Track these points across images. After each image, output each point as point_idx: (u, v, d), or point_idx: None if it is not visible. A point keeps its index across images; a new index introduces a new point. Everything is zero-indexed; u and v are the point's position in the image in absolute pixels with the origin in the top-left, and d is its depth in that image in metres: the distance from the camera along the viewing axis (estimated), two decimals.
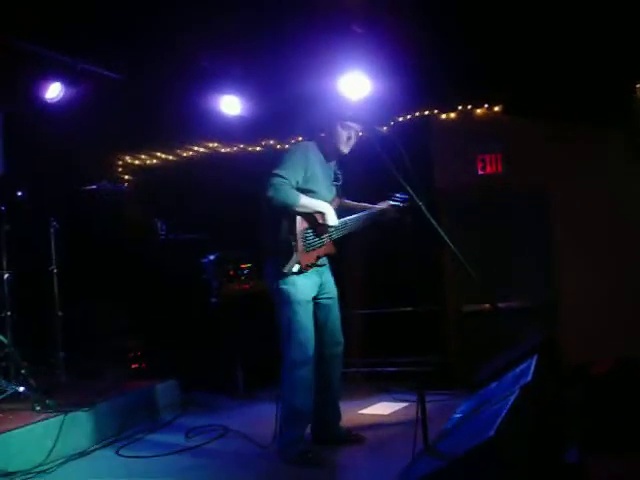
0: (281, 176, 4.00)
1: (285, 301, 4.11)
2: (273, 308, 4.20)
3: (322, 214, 4.14)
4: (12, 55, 5.61)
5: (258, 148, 7.02)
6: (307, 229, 4.10)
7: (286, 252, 4.02)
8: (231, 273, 6.02)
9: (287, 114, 6.23)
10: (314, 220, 4.13)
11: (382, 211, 4.54)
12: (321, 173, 4.25)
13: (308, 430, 4.29)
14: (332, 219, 4.16)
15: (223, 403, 5.72)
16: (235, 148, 7.07)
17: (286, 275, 4.04)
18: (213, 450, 4.51)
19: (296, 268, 4.03)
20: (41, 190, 5.66)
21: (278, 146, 6.92)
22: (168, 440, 4.76)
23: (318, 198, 4.17)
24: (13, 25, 5.25)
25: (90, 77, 6.12)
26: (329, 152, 4.33)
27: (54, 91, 6.04)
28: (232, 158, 7.01)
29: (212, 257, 5.98)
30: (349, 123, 4.22)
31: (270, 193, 3.96)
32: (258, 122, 6.52)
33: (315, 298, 4.25)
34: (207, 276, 5.94)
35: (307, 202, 4.08)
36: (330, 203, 4.23)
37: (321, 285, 4.27)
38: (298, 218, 4.05)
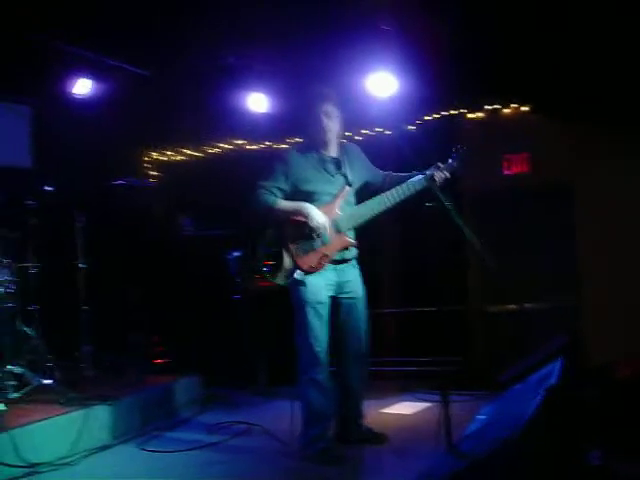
0: (260, 186, 4.10)
1: (296, 301, 4.13)
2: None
3: (304, 215, 4.07)
4: (41, 51, 5.67)
5: (284, 146, 7.02)
6: (297, 232, 4.09)
7: (279, 262, 4.07)
8: (255, 269, 6.02)
9: None
10: (301, 222, 4.08)
11: (431, 176, 4.07)
12: (313, 171, 4.19)
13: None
14: (316, 217, 4.05)
15: (245, 399, 5.73)
16: (261, 146, 7.07)
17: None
18: (235, 446, 4.52)
19: (298, 275, 4.04)
20: (68, 185, 5.70)
21: None
22: (190, 436, 4.78)
23: (317, 197, 4.14)
24: (42, 22, 5.31)
25: (118, 73, 6.17)
26: (320, 142, 4.24)
27: (83, 87, 6.10)
28: (258, 156, 7.02)
29: (236, 253, 5.99)
30: (324, 104, 4.15)
31: (250, 204, 4.09)
32: (284, 120, 6.51)
33: (335, 297, 4.23)
34: (231, 272, 5.96)
35: (285, 205, 4.10)
36: (338, 194, 4.18)
37: (340, 284, 4.22)
38: (285, 224, 4.09)
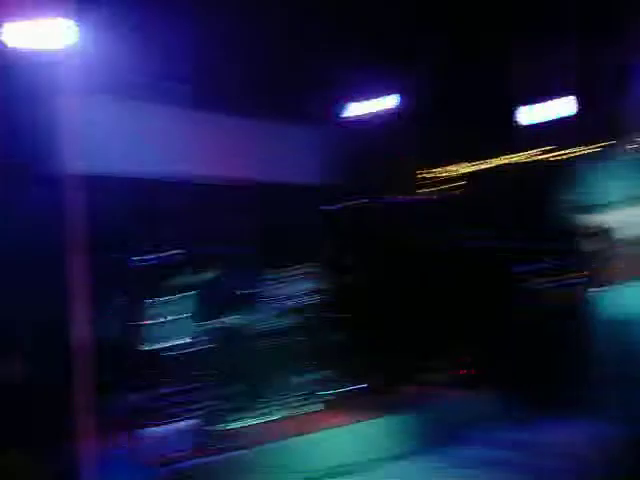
0: None
1: None
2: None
3: None
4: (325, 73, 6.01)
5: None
6: None
7: None
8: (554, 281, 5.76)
9: None
10: None
11: None
12: None
13: None
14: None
15: (544, 419, 5.41)
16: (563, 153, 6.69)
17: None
18: (534, 467, 4.27)
19: None
20: (361, 199, 5.93)
21: None
22: (487, 453, 4.63)
23: None
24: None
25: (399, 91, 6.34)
26: None
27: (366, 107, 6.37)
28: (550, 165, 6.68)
29: (532, 266, 5.79)
30: None
31: None
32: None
33: None
34: (527, 285, 5.75)
35: None
36: None
37: None
38: None
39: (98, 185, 5.44)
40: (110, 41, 4.88)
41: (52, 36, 4.71)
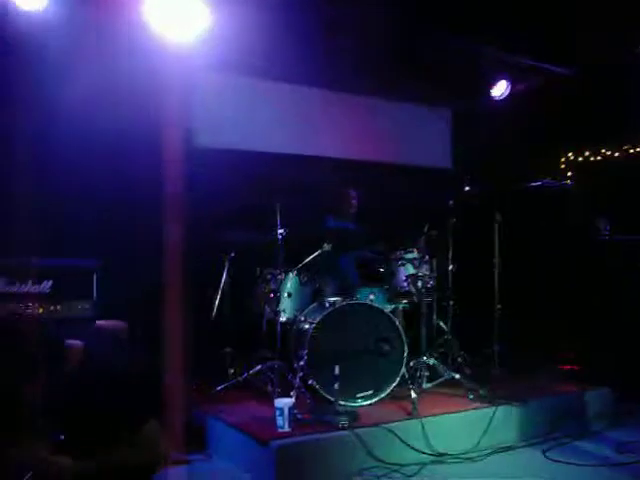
0: None
1: None
2: None
3: None
4: (462, 54, 5.92)
5: None
6: None
7: None
8: None
9: None
10: None
11: None
12: None
13: None
14: None
15: None
16: None
17: None
18: None
19: None
20: (487, 185, 5.85)
21: None
22: (597, 451, 4.56)
23: None
24: (466, 25, 5.52)
25: (536, 73, 6.15)
26: None
27: (500, 88, 6.23)
28: None
29: None
30: None
31: None
32: None
33: None
34: None
35: None
36: None
37: None
38: None
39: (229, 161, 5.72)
40: (246, 21, 5.02)
41: (189, 17, 4.93)
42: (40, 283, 4.09)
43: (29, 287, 4.06)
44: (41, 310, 4.03)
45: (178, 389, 4.15)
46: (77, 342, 3.43)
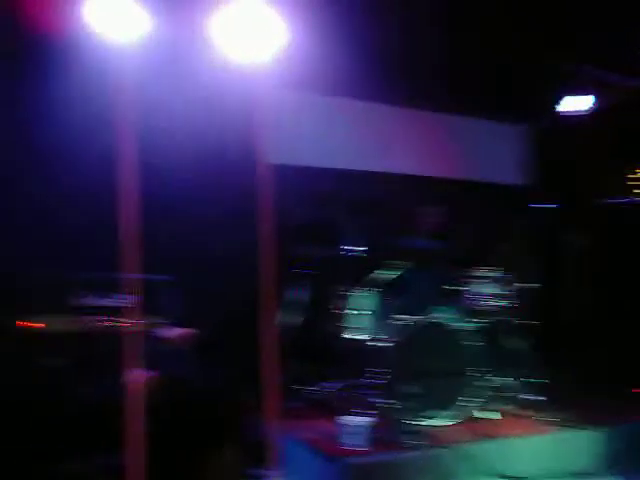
0: None
1: None
2: None
3: None
4: (538, 69, 5.83)
5: None
6: None
7: None
8: None
9: None
10: None
11: None
12: None
13: None
14: None
15: None
16: None
17: None
18: None
19: None
20: (564, 202, 5.74)
21: None
22: None
23: None
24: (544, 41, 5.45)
25: (615, 88, 6.02)
26: None
27: (582, 104, 6.11)
28: None
29: None
30: None
31: None
32: None
33: None
34: None
35: None
36: None
37: None
38: None
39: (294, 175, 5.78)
40: (321, 39, 5.08)
41: (264, 35, 5.00)
42: (123, 297, 4.18)
43: (113, 301, 4.17)
44: (124, 324, 4.14)
45: (254, 404, 4.21)
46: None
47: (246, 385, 4.44)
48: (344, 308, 5.11)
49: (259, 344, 4.37)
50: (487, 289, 5.10)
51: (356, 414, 4.30)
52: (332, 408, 4.85)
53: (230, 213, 5.07)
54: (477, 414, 4.64)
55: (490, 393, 4.87)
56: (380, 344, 4.80)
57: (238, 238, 4.95)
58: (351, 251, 5.16)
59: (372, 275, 5.25)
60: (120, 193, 4.23)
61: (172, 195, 5.13)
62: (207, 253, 5.12)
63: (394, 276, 5.21)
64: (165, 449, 3.04)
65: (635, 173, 6.85)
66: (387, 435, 4.22)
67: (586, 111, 6.11)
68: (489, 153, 6.77)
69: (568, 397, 5.11)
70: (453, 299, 5.33)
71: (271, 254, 4.63)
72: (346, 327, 5.04)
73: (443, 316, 4.90)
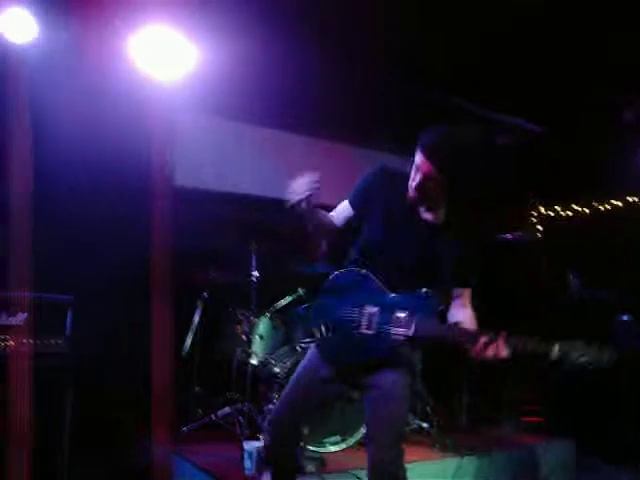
0: None
1: None
2: None
3: None
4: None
5: None
6: None
7: None
8: None
9: None
10: None
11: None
12: None
13: None
14: None
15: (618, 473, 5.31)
16: None
17: None
18: None
19: None
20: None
21: None
22: None
23: None
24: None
25: (510, 130, 6.34)
26: None
27: None
28: None
29: (625, 317, 5.67)
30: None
31: None
32: None
33: None
34: (615, 337, 5.64)
35: None
36: None
37: None
38: None
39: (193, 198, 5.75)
40: (221, 65, 5.12)
41: (173, 58, 5.00)
42: (15, 315, 4.03)
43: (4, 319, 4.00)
44: (14, 343, 3.98)
45: (146, 425, 4.14)
46: None
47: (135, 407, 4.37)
48: (241, 333, 5.11)
49: (149, 368, 4.31)
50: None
51: (253, 439, 4.29)
52: (227, 432, 4.83)
53: (123, 234, 4.97)
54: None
55: None
56: (276, 369, 4.82)
57: (130, 260, 4.88)
58: (250, 276, 5.19)
59: (270, 300, 5.28)
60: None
61: (64, 212, 4.98)
62: (97, 276, 4.99)
63: (290, 301, 5.27)
64: None
65: (535, 209, 7.24)
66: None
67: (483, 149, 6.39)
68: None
69: (456, 424, 5.28)
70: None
71: (163, 278, 4.58)
72: (243, 352, 5.04)
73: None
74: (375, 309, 2.97)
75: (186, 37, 4.93)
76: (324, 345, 3.10)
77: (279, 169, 6.23)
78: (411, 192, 3.03)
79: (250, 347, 5.03)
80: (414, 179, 3.00)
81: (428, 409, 5.31)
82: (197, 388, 5.23)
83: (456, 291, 3.08)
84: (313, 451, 4.42)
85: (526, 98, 5.86)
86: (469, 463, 4.66)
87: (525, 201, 7.13)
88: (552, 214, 7.27)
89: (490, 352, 2.70)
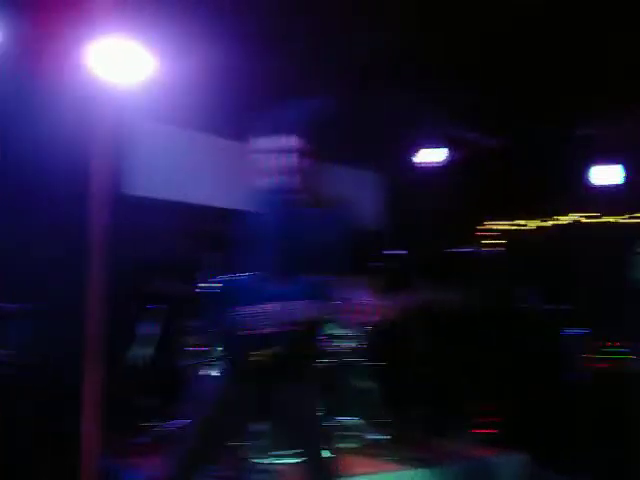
0: None
1: None
2: None
3: None
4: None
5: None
6: None
7: None
8: (594, 350, 5.71)
9: None
10: None
11: None
12: None
13: None
14: None
15: None
16: (610, 218, 6.70)
17: None
18: None
19: None
20: (414, 249, 5.98)
21: None
22: None
23: None
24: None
25: (466, 144, 6.41)
26: None
27: (436, 157, 6.46)
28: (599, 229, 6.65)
29: (576, 331, 5.75)
30: None
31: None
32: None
33: None
34: (567, 350, 5.71)
35: None
36: None
37: None
38: None
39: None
40: (176, 74, 5.07)
41: (130, 66, 4.93)
42: None
43: None
44: None
45: (93, 438, 4.02)
46: None
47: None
48: (195, 345, 5.02)
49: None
50: (334, 330, 5.19)
51: None
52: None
53: (60, 244, 4.83)
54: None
55: (338, 432, 4.93)
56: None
57: (65, 267, 4.74)
58: (205, 287, 5.11)
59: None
60: None
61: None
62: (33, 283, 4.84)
63: None
64: None
65: (483, 225, 7.32)
66: (232, 474, 4.15)
67: (440, 164, 6.47)
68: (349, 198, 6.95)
69: (410, 436, 5.25)
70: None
71: (100, 291, 4.47)
72: (197, 363, 4.95)
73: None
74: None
75: (142, 45, 4.86)
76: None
77: (232, 179, 6.18)
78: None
79: (202, 359, 4.94)
80: None
81: (383, 421, 5.30)
82: (148, 401, 5.12)
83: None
84: (265, 464, 4.35)
85: (482, 111, 5.93)
86: (423, 475, 4.64)
87: (477, 216, 7.19)
88: (506, 228, 7.35)
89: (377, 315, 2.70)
